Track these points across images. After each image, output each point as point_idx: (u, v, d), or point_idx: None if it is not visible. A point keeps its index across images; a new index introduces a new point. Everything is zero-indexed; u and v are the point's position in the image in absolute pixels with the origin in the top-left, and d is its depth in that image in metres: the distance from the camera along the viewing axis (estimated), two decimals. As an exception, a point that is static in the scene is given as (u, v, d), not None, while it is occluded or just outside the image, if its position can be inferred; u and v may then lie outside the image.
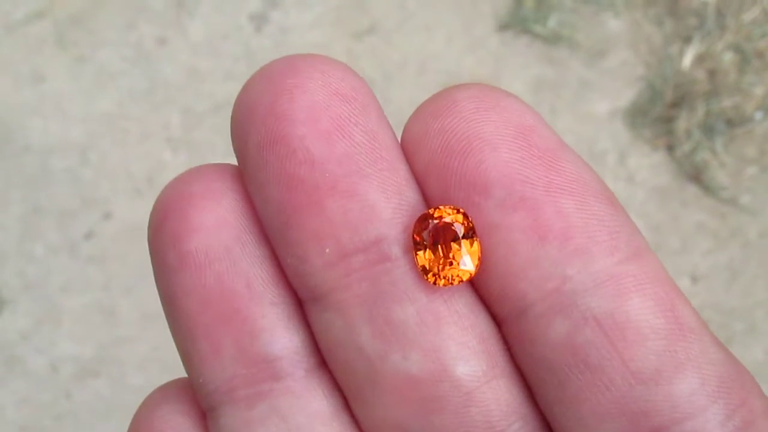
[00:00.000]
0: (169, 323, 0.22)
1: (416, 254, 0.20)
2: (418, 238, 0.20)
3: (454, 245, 0.20)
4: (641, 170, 1.01)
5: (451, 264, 0.20)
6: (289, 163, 0.20)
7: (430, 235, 0.20)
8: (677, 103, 1.03)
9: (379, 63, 1.04)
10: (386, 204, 0.20)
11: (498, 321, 0.21)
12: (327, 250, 0.20)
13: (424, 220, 0.20)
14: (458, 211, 0.20)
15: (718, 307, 0.97)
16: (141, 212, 0.98)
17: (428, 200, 0.20)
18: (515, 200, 0.19)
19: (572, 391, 0.19)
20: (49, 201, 1.00)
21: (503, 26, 1.06)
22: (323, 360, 0.21)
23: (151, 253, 0.22)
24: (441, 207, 0.20)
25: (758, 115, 1.02)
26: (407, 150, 0.21)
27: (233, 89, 1.04)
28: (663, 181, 1.01)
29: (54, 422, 0.94)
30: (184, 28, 1.06)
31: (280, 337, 0.21)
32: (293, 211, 0.20)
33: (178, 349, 0.22)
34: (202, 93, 1.03)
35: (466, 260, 0.20)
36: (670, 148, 1.01)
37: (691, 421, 0.19)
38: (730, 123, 1.02)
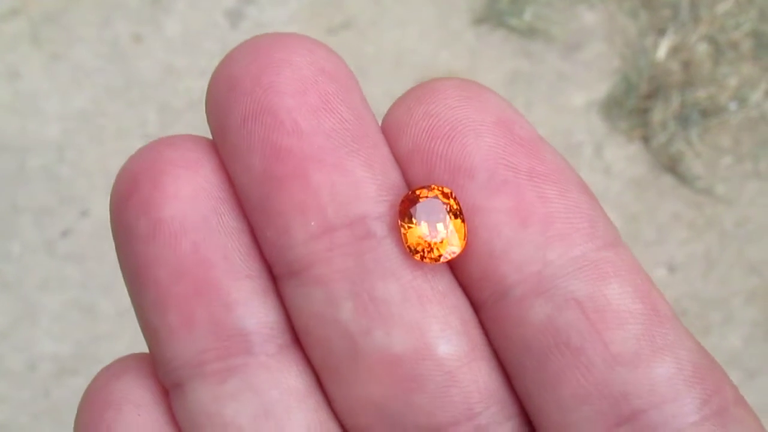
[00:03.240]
0: (133, 297, 0.21)
1: (403, 232, 0.20)
2: (404, 216, 0.20)
3: (440, 224, 0.20)
4: (617, 161, 1.01)
5: (437, 242, 0.20)
6: (277, 134, 0.20)
7: (418, 213, 0.20)
8: (652, 95, 1.03)
9: (354, 57, 1.04)
10: (373, 181, 0.20)
11: (476, 305, 0.21)
12: (312, 223, 0.20)
13: (411, 197, 0.20)
14: (446, 191, 0.20)
15: (695, 297, 0.97)
16: (118, 209, 0.98)
17: (410, 183, 0.21)
18: (498, 183, 0.20)
19: (553, 372, 0.19)
20: (25, 199, 0.99)
21: (479, 20, 1.06)
22: (296, 338, 0.21)
23: (114, 224, 0.21)
24: (430, 186, 0.20)
25: (732, 106, 1.03)
26: (389, 134, 0.21)
27: (209, 85, 1.03)
28: (639, 172, 1.01)
29: (32, 420, 0.93)
30: (160, 25, 1.05)
31: (256, 312, 0.21)
32: (278, 181, 0.20)
33: (141, 324, 0.21)
34: (178, 90, 1.03)
35: (452, 239, 0.20)
36: (646, 140, 1.02)
37: (669, 404, 0.19)
38: (705, 114, 1.02)
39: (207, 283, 0.20)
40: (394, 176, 0.20)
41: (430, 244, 0.20)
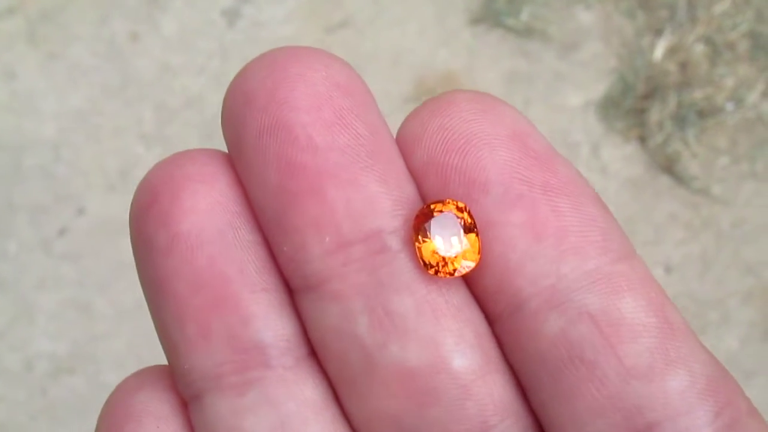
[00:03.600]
0: (152, 309, 0.21)
1: (417, 246, 0.20)
2: (419, 230, 0.20)
3: (455, 238, 0.20)
4: (614, 162, 1.01)
5: (452, 257, 0.20)
6: (292, 149, 0.20)
7: (432, 227, 0.20)
8: (649, 95, 1.03)
9: (351, 56, 1.04)
10: (387, 196, 0.20)
11: (490, 319, 0.21)
12: (327, 239, 0.20)
13: (426, 212, 0.20)
14: (460, 206, 0.20)
15: (691, 297, 0.98)
16: (115, 208, 0.98)
17: (425, 197, 0.21)
18: (513, 198, 0.20)
19: (567, 386, 0.19)
20: (21, 198, 0.99)
21: (476, 20, 1.06)
22: (312, 350, 0.21)
23: (134, 237, 0.21)
24: (444, 200, 0.20)
25: (729, 106, 1.03)
26: (403, 147, 0.21)
27: (206, 84, 1.03)
28: (635, 173, 1.01)
29: (29, 420, 0.93)
30: (157, 24, 1.05)
31: (273, 325, 0.21)
32: (294, 197, 0.20)
33: (160, 336, 0.22)
34: (175, 88, 1.03)
35: (468, 253, 0.20)
36: (643, 140, 1.02)
37: (683, 417, 0.19)
38: (702, 114, 1.02)
39: (224, 296, 0.20)
40: (408, 190, 0.20)
41: (444, 259, 0.20)
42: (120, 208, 0.97)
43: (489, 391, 0.20)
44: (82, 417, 0.93)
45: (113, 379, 0.93)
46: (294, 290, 0.21)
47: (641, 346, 0.19)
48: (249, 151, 0.20)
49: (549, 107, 1.03)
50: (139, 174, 0.94)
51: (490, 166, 0.20)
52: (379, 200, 0.20)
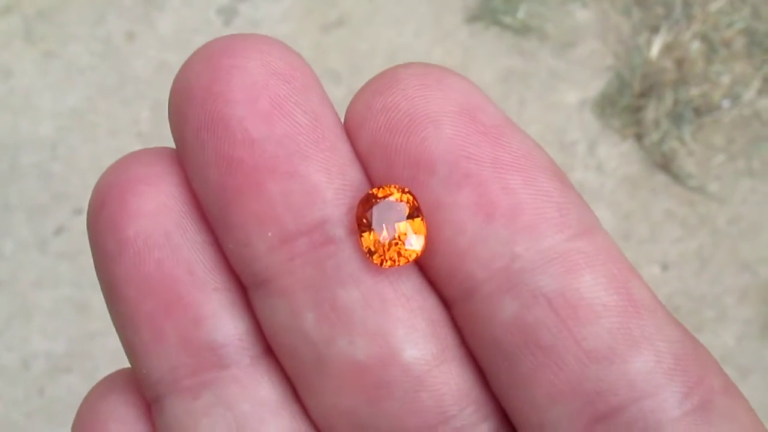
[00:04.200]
0: (110, 313, 0.21)
1: (361, 236, 0.19)
2: (362, 219, 0.19)
3: (399, 225, 0.19)
4: (610, 159, 1.01)
5: (396, 244, 0.19)
6: (228, 145, 0.19)
7: (375, 216, 0.19)
8: (646, 93, 1.03)
9: (348, 55, 1.04)
10: (329, 185, 0.19)
11: (447, 303, 0.20)
12: (269, 234, 0.19)
13: (367, 200, 0.19)
14: (403, 190, 0.19)
15: (688, 295, 0.98)
16: (111, 207, 0.97)
17: (372, 180, 0.20)
18: (460, 177, 0.19)
19: (524, 372, 0.19)
20: (18, 197, 0.99)
21: (472, 18, 1.06)
22: (269, 347, 0.21)
23: (90, 241, 0.21)
24: (385, 186, 0.19)
25: (726, 104, 1.03)
26: (350, 129, 0.20)
27: (203, 83, 1.03)
28: (632, 170, 1.01)
29: (26, 418, 0.93)
30: (153, 23, 1.05)
31: (225, 324, 0.20)
32: (233, 194, 0.19)
33: (120, 339, 0.21)
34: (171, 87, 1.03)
35: (412, 240, 0.19)
36: (639, 137, 1.02)
37: (648, 399, 0.18)
38: (698, 112, 1.03)
39: (174, 299, 0.20)
40: (353, 177, 0.20)
41: (389, 247, 0.19)
42: (117, 206, 0.97)
43: (445, 380, 0.20)
44: (80, 416, 0.93)
45: (110, 377, 0.93)
46: (246, 287, 0.21)
47: (601, 327, 0.18)
48: (190, 148, 0.20)
49: (545, 105, 1.03)
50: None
51: (434, 145, 0.19)
52: (320, 190, 0.19)
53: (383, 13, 1.06)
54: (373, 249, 0.19)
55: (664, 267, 0.98)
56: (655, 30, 1.06)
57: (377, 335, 0.19)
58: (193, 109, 0.19)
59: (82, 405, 0.23)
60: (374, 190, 0.19)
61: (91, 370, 0.94)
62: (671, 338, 0.19)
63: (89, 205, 0.21)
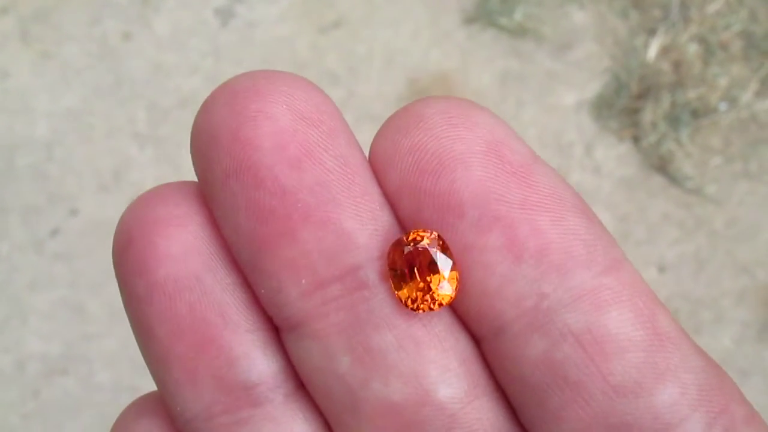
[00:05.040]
0: (141, 350, 0.21)
1: (393, 281, 0.20)
2: (394, 265, 0.19)
3: (430, 270, 0.19)
4: (608, 161, 1.01)
5: (429, 289, 0.19)
6: (259, 194, 0.19)
7: (406, 261, 0.19)
8: (643, 95, 1.03)
9: (344, 57, 1.04)
10: (361, 231, 0.20)
11: (477, 340, 0.20)
12: (303, 281, 0.19)
13: (398, 245, 0.19)
14: (433, 235, 0.19)
15: (685, 297, 0.98)
16: (107, 208, 0.97)
17: (402, 221, 0.20)
18: (489, 219, 0.19)
19: (552, 408, 0.19)
20: (14, 198, 0.99)
21: (469, 20, 1.06)
22: (302, 383, 0.21)
23: (118, 279, 0.21)
24: (415, 231, 0.19)
25: (722, 106, 1.03)
26: (377, 168, 0.20)
27: (199, 84, 1.03)
28: (629, 172, 1.01)
29: (22, 421, 0.93)
30: (149, 23, 1.05)
31: (258, 364, 0.21)
32: (265, 242, 0.19)
33: (153, 376, 0.21)
34: (167, 88, 1.03)
35: (444, 285, 0.19)
36: (636, 140, 1.02)
37: (673, 431, 0.19)
38: (695, 114, 1.03)
39: (207, 340, 0.20)
40: (384, 220, 0.20)
41: (422, 292, 0.19)
42: (113, 208, 0.97)
43: (477, 416, 0.20)
44: (75, 417, 0.93)
45: (105, 379, 0.93)
46: (279, 328, 0.21)
47: (628, 362, 0.19)
48: (218, 192, 0.20)
49: (542, 107, 1.03)
50: (132, 175, 0.94)
51: (464, 187, 0.19)
52: (353, 236, 0.19)
53: (380, 14, 1.05)
54: (405, 294, 0.20)
55: (662, 269, 0.98)
56: (652, 32, 1.06)
57: (411, 377, 0.20)
58: (219, 153, 0.19)
59: (115, 426, 0.23)
60: (405, 236, 0.19)
61: (87, 373, 0.94)
62: (695, 369, 0.19)
63: (115, 243, 0.21)
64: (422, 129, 0.19)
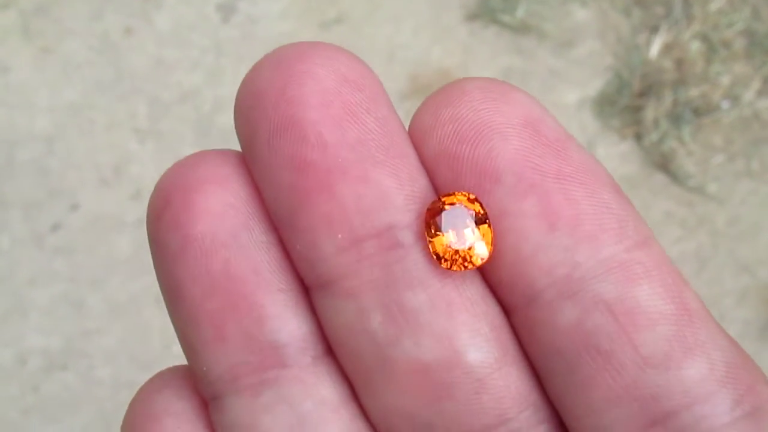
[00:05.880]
0: (170, 312, 0.21)
1: (429, 240, 0.20)
2: (430, 224, 0.20)
3: (467, 231, 0.20)
4: (609, 159, 1.01)
5: (464, 249, 0.20)
6: (302, 148, 0.19)
7: (443, 221, 0.20)
8: (645, 93, 1.03)
9: (347, 53, 1.04)
10: (399, 191, 0.20)
11: (507, 310, 0.20)
12: (339, 236, 0.20)
13: (436, 206, 0.20)
14: (470, 197, 0.20)
15: (686, 295, 0.97)
16: (108, 203, 0.97)
17: (438, 188, 0.20)
18: (525, 187, 0.19)
19: (582, 376, 0.19)
20: (14, 192, 0.99)
21: (471, 16, 1.06)
22: (329, 348, 0.21)
23: (150, 240, 0.21)
24: (454, 193, 0.20)
25: (725, 104, 1.03)
26: (416, 138, 0.21)
27: (200, 79, 1.03)
28: (631, 170, 1.01)
29: (21, 415, 0.93)
30: (151, 18, 1.05)
31: (288, 324, 0.21)
32: (305, 195, 0.20)
33: (179, 337, 0.22)
34: (169, 83, 1.03)
35: (479, 246, 0.20)
36: (638, 137, 1.02)
37: (701, 405, 0.19)
38: (698, 112, 1.02)
39: (239, 298, 0.20)
40: (421, 184, 0.20)
41: (457, 252, 0.20)
42: (113, 203, 0.97)
43: (505, 383, 0.20)
44: (75, 412, 0.93)
45: (106, 374, 0.93)
46: (309, 288, 0.21)
47: (658, 334, 0.19)
48: (260, 150, 0.20)
49: (545, 104, 1.03)
50: (133, 169, 0.94)
51: (501, 155, 0.19)
52: (391, 195, 0.20)
53: (382, 11, 1.05)
54: (441, 253, 0.20)
55: (663, 267, 0.98)
56: (654, 30, 1.05)
57: (443, 337, 0.20)
58: (265, 111, 0.20)
59: (134, 399, 0.23)
60: (443, 196, 0.20)
61: (87, 368, 0.94)
62: (722, 346, 0.19)
63: (151, 204, 0.21)
64: (463, 102, 0.20)
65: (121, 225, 0.96)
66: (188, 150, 0.99)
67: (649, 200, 1.00)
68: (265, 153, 0.20)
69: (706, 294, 0.97)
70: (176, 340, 0.22)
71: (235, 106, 0.21)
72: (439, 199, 0.20)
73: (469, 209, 0.20)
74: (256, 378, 0.21)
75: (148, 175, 0.97)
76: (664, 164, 1.01)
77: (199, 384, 0.21)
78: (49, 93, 1.02)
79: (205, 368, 0.21)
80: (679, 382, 0.19)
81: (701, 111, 1.02)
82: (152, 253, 0.21)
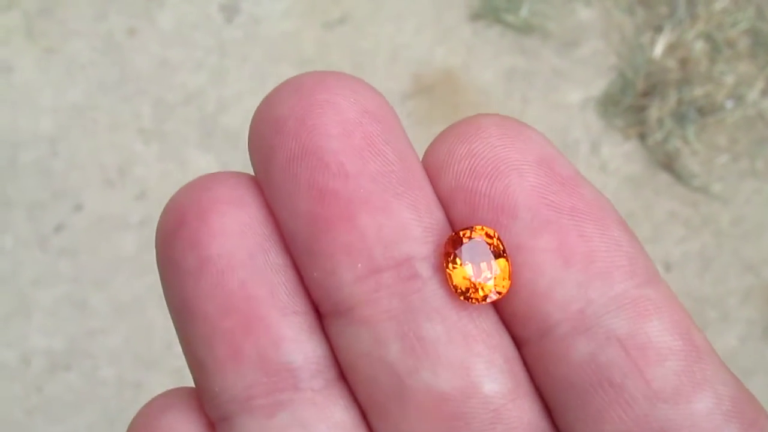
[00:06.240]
0: (180, 331, 0.21)
1: (448, 272, 0.20)
2: (450, 256, 0.20)
3: (485, 264, 0.20)
4: (614, 159, 1.01)
5: (482, 283, 0.20)
6: (322, 176, 0.20)
7: (464, 253, 0.20)
8: (649, 92, 1.03)
9: (349, 53, 1.04)
10: (418, 223, 0.20)
11: (519, 342, 0.21)
12: (359, 265, 0.20)
13: (456, 238, 0.20)
14: (489, 232, 0.20)
15: (691, 295, 0.97)
16: (112, 204, 0.97)
17: (453, 222, 0.21)
18: (541, 223, 0.20)
19: (595, 409, 0.20)
20: (18, 193, 0.99)
21: (475, 16, 1.06)
22: (341, 374, 0.21)
23: (161, 259, 0.21)
24: (473, 227, 0.20)
25: (729, 104, 1.03)
26: (431, 172, 0.21)
27: (204, 80, 1.03)
28: (635, 170, 1.01)
29: (25, 416, 0.93)
30: (154, 19, 1.05)
31: (303, 347, 0.21)
32: (325, 224, 0.20)
33: (188, 357, 0.21)
34: (173, 84, 1.03)
35: (498, 279, 0.20)
36: (642, 137, 1.02)
37: None
38: (702, 112, 1.02)
39: (255, 318, 0.20)
40: (438, 217, 0.20)
41: (475, 285, 0.20)
42: (117, 204, 0.97)
43: (519, 414, 0.20)
44: (78, 413, 0.93)
45: (109, 374, 0.93)
46: (324, 314, 0.21)
47: (668, 369, 0.19)
48: (278, 176, 0.20)
49: (548, 104, 1.03)
50: (137, 170, 0.94)
51: (518, 191, 0.20)
52: (411, 227, 0.20)
53: (385, 10, 1.05)
54: (459, 285, 0.20)
55: (667, 267, 0.98)
56: (658, 29, 1.05)
57: (459, 368, 0.20)
58: (284, 139, 0.20)
59: (136, 420, 0.23)
60: (463, 230, 0.20)
61: (91, 368, 0.94)
62: (727, 382, 0.20)
63: (162, 222, 0.21)
64: (479, 138, 0.20)
65: (125, 225, 0.96)
66: (192, 150, 0.99)
67: (653, 200, 1.00)
68: (282, 179, 0.20)
69: (711, 294, 0.97)
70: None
71: (251, 130, 0.21)
72: (459, 232, 0.20)
73: (488, 243, 0.20)
74: (270, 399, 0.21)
75: (153, 175, 0.97)
76: (668, 164, 1.01)
77: (208, 404, 0.21)
78: (53, 93, 1.02)
79: (217, 388, 0.21)
80: (688, 416, 0.19)
81: (705, 110, 1.02)
82: (163, 272, 0.21)
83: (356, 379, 0.21)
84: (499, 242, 0.20)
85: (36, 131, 1.01)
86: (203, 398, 0.22)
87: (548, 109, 1.03)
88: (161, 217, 0.21)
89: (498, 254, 0.20)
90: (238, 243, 0.20)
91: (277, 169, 0.20)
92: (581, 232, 0.20)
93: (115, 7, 1.05)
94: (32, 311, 0.96)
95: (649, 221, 0.99)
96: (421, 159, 0.21)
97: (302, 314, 0.21)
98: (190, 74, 1.03)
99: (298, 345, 0.21)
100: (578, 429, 0.20)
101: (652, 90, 1.03)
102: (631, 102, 1.03)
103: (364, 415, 0.21)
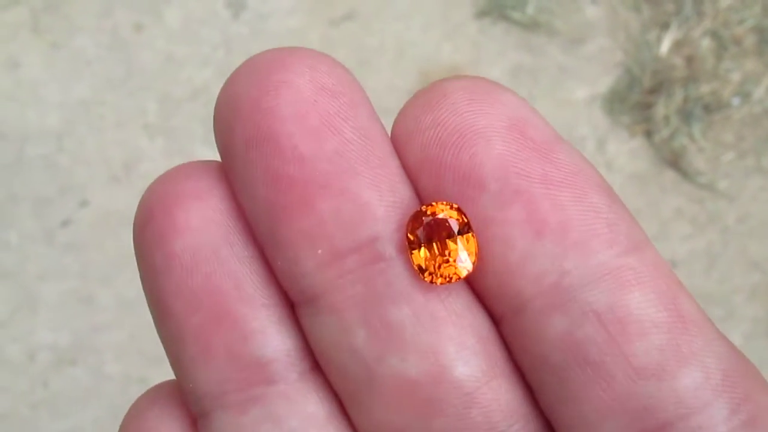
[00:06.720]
0: (156, 327, 0.21)
1: (411, 253, 0.19)
2: (412, 237, 0.19)
3: (449, 242, 0.19)
4: (620, 156, 1.01)
5: (447, 261, 0.19)
6: (277, 162, 0.19)
7: (425, 233, 0.19)
8: (655, 90, 1.03)
9: (356, 49, 1.04)
10: (379, 202, 0.19)
11: (495, 319, 0.20)
12: (319, 251, 0.19)
13: (417, 217, 0.19)
14: (452, 207, 0.19)
15: (696, 293, 0.97)
16: (118, 199, 0.97)
17: (421, 195, 0.20)
18: (510, 193, 0.19)
19: (573, 388, 0.19)
20: (24, 188, 0.99)
21: (481, 13, 1.05)
22: (316, 363, 0.21)
23: (136, 255, 0.21)
24: (434, 203, 0.19)
25: (735, 101, 1.03)
26: (398, 144, 0.20)
27: (210, 76, 1.03)
28: (641, 167, 1.01)
29: (31, 410, 0.93)
30: (161, 15, 1.05)
31: (273, 340, 0.20)
32: (282, 211, 0.19)
33: (167, 352, 0.21)
34: (179, 80, 1.03)
35: (463, 257, 0.19)
36: (649, 134, 1.02)
37: (696, 416, 0.18)
38: (708, 109, 1.02)
39: (222, 313, 0.20)
40: (403, 193, 0.20)
41: (440, 265, 0.19)
42: (123, 199, 0.97)
43: (495, 396, 0.20)
44: (84, 408, 0.93)
45: (115, 370, 0.93)
46: (294, 304, 0.21)
47: (650, 344, 0.18)
48: (237, 163, 0.20)
49: (554, 101, 1.03)
50: (143, 166, 0.94)
51: (485, 161, 0.19)
52: (371, 207, 0.19)
53: (392, 7, 1.05)
54: (424, 266, 0.19)
55: (673, 264, 0.98)
56: (665, 26, 1.05)
57: (428, 352, 0.19)
58: (240, 123, 0.19)
59: (127, 415, 0.23)
60: (424, 207, 0.19)
61: (96, 363, 0.94)
62: (719, 354, 0.19)
63: (135, 220, 0.21)
64: (444, 105, 0.19)
65: (131, 221, 0.96)
66: (199, 146, 0.99)
67: (659, 197, 1.00)
68: (241, 165, 0.20)
69: (716, 291, 0.97)
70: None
71: (214, 116, 0.20)
72: (421, 210, 0.19)
73: (451, 219, 0.19)
74: (242, 395, 0.20)
75: (159, 171, 0.96)
76: (674, 161, 1.01)
77: (188, 400, 0.21)
78: (59, 89, 1.02)
79: (191, 385, 0.21)
80: (672, 393, 0.18)
81: (712, 108, 1.02)
82: (138, 268, 0.21)
83: (329, 369, 0.21)
84: (462, 217, 0.19)
85: (42, 127, 1.01)
86: (183, 394, 0.21)
87: (554, 106, 1.02)
88: (136, 213, 0.21)
89: (463, 230, 0.19)
90: (202, 237, 0.20)
91: (236, 155, 0.20)
92: (554, 201, 0.19)
93: (121, 3, 1.05)
94: (38, 306, 0.96)
95: (655, 218, 0.99)
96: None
97: (272, 306, 0.20)
98: (196, 70, 1.03)
99: (268, 338, 0.20)
100: (558, 409, 0.19)
101: (659, 87, 1.03)
102: (638, 99, 1.02)
103: (341, 406, 0.21)
